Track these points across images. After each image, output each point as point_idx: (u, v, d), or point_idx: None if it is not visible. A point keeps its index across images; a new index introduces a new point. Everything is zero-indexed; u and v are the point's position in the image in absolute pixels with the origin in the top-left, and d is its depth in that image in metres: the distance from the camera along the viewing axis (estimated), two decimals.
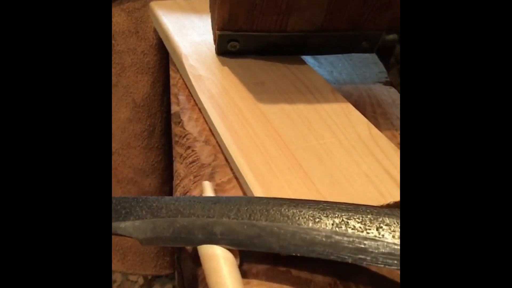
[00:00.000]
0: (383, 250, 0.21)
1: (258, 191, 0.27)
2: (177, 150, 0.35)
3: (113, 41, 0.54)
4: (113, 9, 0.53)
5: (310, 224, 0.23)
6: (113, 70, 0.55)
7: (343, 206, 0.23)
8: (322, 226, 0.22)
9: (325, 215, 0.23)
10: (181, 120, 0.37)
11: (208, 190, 0.28)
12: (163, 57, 0.55)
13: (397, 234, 0.22)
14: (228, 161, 0.31)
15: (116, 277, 0.71)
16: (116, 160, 0.58)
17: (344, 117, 0.33)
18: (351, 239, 0.22)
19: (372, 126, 0.33)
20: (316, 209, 0.23)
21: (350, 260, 0.22)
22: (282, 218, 0.23)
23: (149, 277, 0.71)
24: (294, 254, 0.22)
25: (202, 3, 0.49)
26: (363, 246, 0.22)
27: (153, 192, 0.60)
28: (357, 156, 0.29)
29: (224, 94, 0.35)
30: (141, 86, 0.56)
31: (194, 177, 0.31)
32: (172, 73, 0.44)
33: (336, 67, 0.45)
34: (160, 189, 0.60)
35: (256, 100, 0.35)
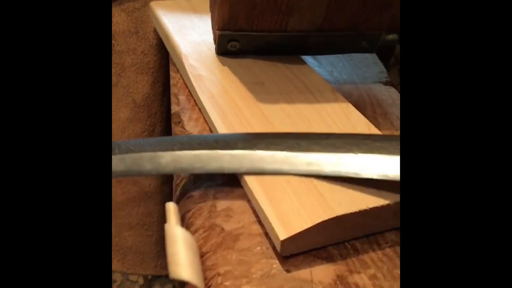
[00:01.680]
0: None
1: (258, 191, 0.27)
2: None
3: (113, 41, 0.54)
4: (113, 9, 0.53)
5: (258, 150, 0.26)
6: (113, 70, 0.55)
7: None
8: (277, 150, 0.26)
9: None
10: (181, 120, 0.37)
11: (172, 214, 0.27)
12: (163, 57, 0.55)
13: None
14: None
15: (116, 277, 0.71)
16: None
17: (344, 117, 0.33)
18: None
19: (372, 126, 0.33)
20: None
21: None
22: (227, 146, 0.27)
23: (149, 277, 0.71)
24: (248, 172, 0.24)
25: (202, 3, 0.49)
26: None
27: (153, 192, 0.60)
28: None
29: (224, 94, 0.35)
30: (141, 86, 0.56)
31: (194, 177, 0.31)
32: (172, 73, 0.44)
33: (336, 67, 0.45)
34: (160, 189, 0.60)
35: (256, 100, 0.35)
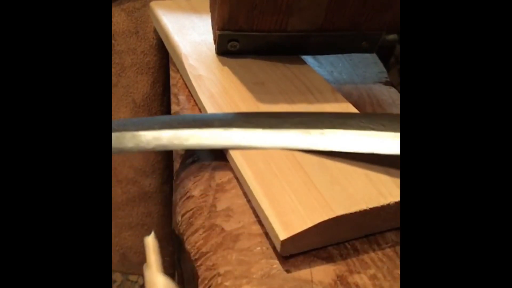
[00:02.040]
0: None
1: (258, 191, 0.27)
2: (177, 150, 0.35)
3: (113, 41, 0.54)
4: (113, 9, 0.53)
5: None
6: (113, 70, 0.55)
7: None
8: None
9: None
10: None
11: (151, 253, 0.27)
12: (163, 57, 0.55)
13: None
14: (228, 161, 0.31)
15: (116, 277, 0.71)
16: (116, 160, 0.58)
17: None
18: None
19: None
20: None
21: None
22: (204, 124, 0.30)
23: None
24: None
25: (202, 3, 0.49)
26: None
27: (153, 192, 0.60)
28: (357, 155, 0.29)
29: (224, 94, 0.35)
30: (141, 86, 0.56)
31: (194, 177, 0.31)
32: (172, 73, 0.44)
33: (336, 67, 0.45)
34: (160, 189, 0.60)
35: (256, 100, 0.34)
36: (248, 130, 0.29)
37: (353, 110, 0.34)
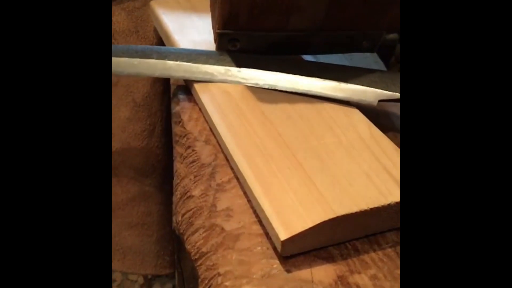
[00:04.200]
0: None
1: (258, 191, 0.27)
2: (177, 149, 0.35)
3: (113, 40, 0.54)
4: (113, 8, 0.53)
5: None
6: None
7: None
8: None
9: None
10: (181, 119, 0.37)
11: None
12: None
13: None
14: (228, 160, 0.31)
15: (116, 276, 0.71)
16: (116, 159, 0.58)
17: (345, 117, 0.33)
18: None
19: (373, 126, 0.33)
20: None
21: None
22: (144, 55, 0.36)
23: (149, 277, 0.71)
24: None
25: (202, 2, 0.49)
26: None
27: (153, 192, 0.60)
28: (357, 156, 0.29)
29: (224, 94, 0.35)
30: (141, 85, 0.56)
31: (195, 176, 0.31)
32: None
33: None
34: (160, 188, 0.60)
35: (256, 99, 0.34)
36: (179, 63, 0.36)
37: (354, 110, 0.34)
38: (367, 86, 0.35)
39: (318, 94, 0.35)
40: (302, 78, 0.35)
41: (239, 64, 0.36)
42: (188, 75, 0.36)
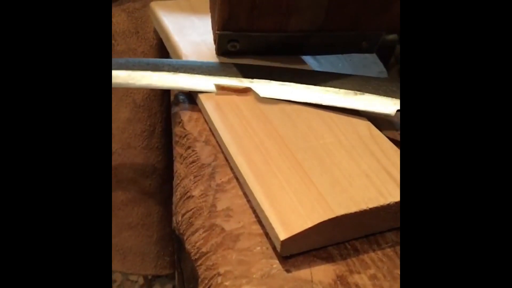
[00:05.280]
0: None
1: (258, 191, 0.27)
2: (177, 150, 0.35)
3: (113, 41, 0.54)
4: (113, 9, 0.53)
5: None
6: None
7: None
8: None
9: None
10: (181, 120, 0.37)
11: None
12: (164, 57, 0.55)
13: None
14: (228, 161, 0.31)
15: (116, 277, 0.71)
16: (116, 160, 0.58)
17: (344, 117, 0.33)
18: None
19: (372, 126, 0.33)
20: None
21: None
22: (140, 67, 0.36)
23: (149, 277, 0.71)
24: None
25: (202, 3, 0.49)
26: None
27: (153, 192, 0.60)
28: (357, 156, 0.29)
29: (224, 94, 0.35)
30: None
31: (194, 177, 0.31)
32: None
33: (336, 67, 0.45)
34: (160, 189, 0.60)
35: (256, 100, 0.35)
36: (160, 73, 0.36)
37: (353, 110, 0.34)
38: (384, 95, 0.34)
39: (334, 105, 0.34)
40: (317, 88, 0.35)
41: (251, 76, 0.36)
42: (199, 88, 0.36)
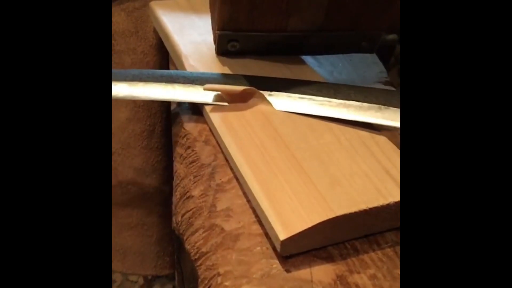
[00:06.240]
0: None
1: (258, 191, 0.27)
2: (177, 150, 0.35)
3: (113, 41, 0.54)
4: (113, 9, 0.53)
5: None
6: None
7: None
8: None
9: None
10: (181, 120, 0.37)
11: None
12: (163, 57, 0.55)
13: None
14: (228, 161, 0.31)
15: (116, 277, 0.71)
16: (116, 160, 0.58)
17: None
18: None
19: (372, 126, 0.33)
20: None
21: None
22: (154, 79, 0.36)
23: (149, 277, 0.71)
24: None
25: (202, 3, 0.49)
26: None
27: (153, 192, 0.60)
28: (357, 156, 0.29)
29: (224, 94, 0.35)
30: None
31: (194, 177, 0.31)
32: None
33: (336, 67, 0.45)
34: (160, 189, 0.60)
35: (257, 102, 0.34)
36: (173, 84, 0.35)
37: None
38: None
39: (357, 119, 0.32)
40: (338, 102, 0.32)
41: (269, 88, 0.34)
42: (211, 101, 0.34)
